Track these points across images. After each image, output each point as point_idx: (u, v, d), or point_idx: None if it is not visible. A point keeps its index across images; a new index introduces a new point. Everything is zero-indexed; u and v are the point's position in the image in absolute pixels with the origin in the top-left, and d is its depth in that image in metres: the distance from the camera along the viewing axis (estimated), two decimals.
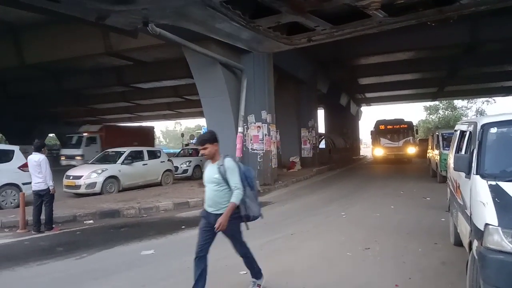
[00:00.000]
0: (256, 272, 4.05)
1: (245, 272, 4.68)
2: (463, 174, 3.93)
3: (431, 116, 54.70)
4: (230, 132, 12.60)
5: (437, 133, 14.58)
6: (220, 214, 3.61)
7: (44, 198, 7.28)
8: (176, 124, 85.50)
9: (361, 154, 38.17)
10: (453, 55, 20.09)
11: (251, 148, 13.10)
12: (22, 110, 25.94)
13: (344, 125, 32.97)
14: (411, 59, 20.88)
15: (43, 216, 7.34)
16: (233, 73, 12.75)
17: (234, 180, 3.61)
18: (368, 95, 34.52)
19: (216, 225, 3.54)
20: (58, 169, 14.20)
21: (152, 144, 29.81)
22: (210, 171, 3.73)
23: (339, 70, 23.55)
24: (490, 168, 3.50)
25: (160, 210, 9.41)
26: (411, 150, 24.40)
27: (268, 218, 8.19)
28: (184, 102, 30.44)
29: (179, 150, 24.71)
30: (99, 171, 11.96)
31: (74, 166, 20.43)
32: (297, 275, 4.62)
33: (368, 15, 8.84)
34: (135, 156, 13.64)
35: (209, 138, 3.77)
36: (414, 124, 27.60)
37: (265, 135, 13.18)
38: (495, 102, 48.09)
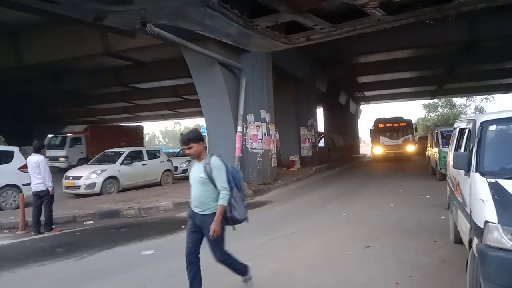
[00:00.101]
0: (242, 270, 3.88)
1: None
2: (462, 172, 3.93)
3: (430, 114, 54.70)
4: (229, 131, 12.60)
5: (436, 131, 14.58)
6: (206, 215, 3.53)
7: (43, 199, 7.27)
8: (175, 124, 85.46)
9: (360, 152, 38.19)
10: (452, 53, 20.08)
11: (251, 148, 13.10)
12: (21, 111, 25.81)
13: (343, 123, 32.95)
14: (410, 57, 20.87)
15: (43, 217, 7.33)
16: (232, 72, 12.75)
17: (221, 180, 3.49)
18: (367, 93, 34.51)
19: (211, 234, 3.44)
20: None
21: (141, 144, 29.10)
22: (196, 170, 3.61)
23: (338, 69, 23.53)
24: (490, 165, 3.50)
25: (160, 210, 9.41)
26: (411, 148, 24.41)
27: (268, 217, 8.24)
28: (183, 102, 30.39)
29: (179, 150, 24.68)
30: (99, 172, 11.96)
31: (58, 168, 20.37)
32: (297, 274, 4.62)
33: (367, 13, 8.87)
34: (135, 156, 13.63)
35: (194, 137, 3.61)
36: (413, 122, 27.60)
37: (265, 134, 13.18)
38: (494, 99, 48.14)
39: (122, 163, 12.74)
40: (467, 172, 3.71)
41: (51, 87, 22.07)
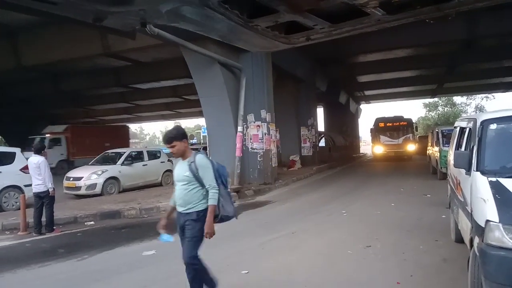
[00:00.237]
0: (208, 282, 3.66)
1: (246, 272, 4.70)
2: (463, 171, 3.93)
3: (430, 113, 54.68)
4: (229, 131, 12.60)
5: (436, 130, 14.58)
6: (189, 213, 3.44)
7: (44, 200, 7.28)
8: (176, 124, 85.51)
9: (361, 151, 38.19)
10: (451, 52, 20.07)
11: (251, 147, 13.10)
12: (21, 113, 25.81)
13: (343, 123, 32.94)
14: (410, 56, 20.85)
15: (44, 218, 7.34)
16: (232, 72, 12.75)
17: (209, 178, 3.40)
18: (367, 92, 34.49)
19: (206, 236, 3.40)
20: None
21: (127, 144, 27.84)
22: (181, 169, 3.50)
23: (338, 68, 23.52)
24: (490, 164, 3.50)
25: (161, 210, 9.40)
26: (411, 147, 24.40)
27: (268, 217, 8.24)
28: (183, 102, 30.40)
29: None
30: (99, 172, 11.97)
31: None
32: (299, 273, 4.62)
33: (366, 13, 8.85)
34: (135, 157, 13.66)
35: (176, 135, 3.46)
36: (414, 121, 27.59)
37: (265, 134, 13.18)
38: (494, 98, 48.10)
39: (122, 164, 12.75)
40: (468, 171, 3.70)
41: (51, 88, 22.05)
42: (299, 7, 8.43)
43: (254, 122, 13.12)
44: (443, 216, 6.95)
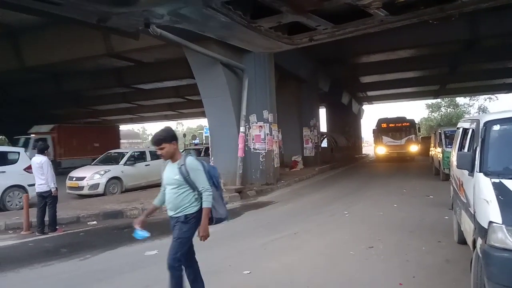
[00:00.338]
0: None
1: (248, 272, 4.70)
2: (466, 172, 3.92)
3: (433, 114, 54.53)
4: (232, 132, 12.60)
5: (439, 131, 14.54)
6: (178, 217, 3.38)
7: (47, 199, 7.31)
8: (178, 124, 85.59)
9: (363, 152, 38.13)
10: (454, 52, 20.01)
11: (253, 148, 13.10)
12: (22, 113, 25.86)
13: (346, 123, 32.90)
14: (413, 57, 20.81)
15: (47, 218, 7.37)
16: (234, 73, 12.75)
17: (201, 181, 3.33)
18: (370, 93, 34.44)
19: (201, 239, 3.35)
20: None
21: (117, 145, 26.89)
22: (170, 172, 3.41)
23: (341, 69, 23.49)
24: (493, 165, 3.49)
25: (163, 210, 9.38)
26: (414, 148, 24.33)
27: (271, 217, 8.25)
28: (185, 103, 30.40)
29: (182, 150, 24.64)
30: (102, 172, 12.02)
31: None
32: (301, 273, 4.62)
33: (370, 14, 8.85)
34: (138, 157, 13.70)
35: (166, 136, 3.37)
36: (416, 122, 27.53)
37: (267, 135, 13.18)
38: (497, 99, 47.89)
39: (125, 164, 12.79)
40: (471, 172, 3.69)
41: (53, 88, 22.10)
42: (302, 8, 8.43)
43: (257, 123, 13.12)
44: (446, 217, 6.94)
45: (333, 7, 8.71)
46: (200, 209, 3.36)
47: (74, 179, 11.97)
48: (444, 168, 12.65)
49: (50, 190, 7.26)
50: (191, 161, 3.36)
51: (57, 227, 7.46)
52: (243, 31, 9.38)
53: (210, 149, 13.54)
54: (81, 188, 11.67)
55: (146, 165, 13.60)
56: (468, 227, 3.87)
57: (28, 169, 9.41)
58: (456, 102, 51.89)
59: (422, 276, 4.39)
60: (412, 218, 7.49)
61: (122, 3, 7.07)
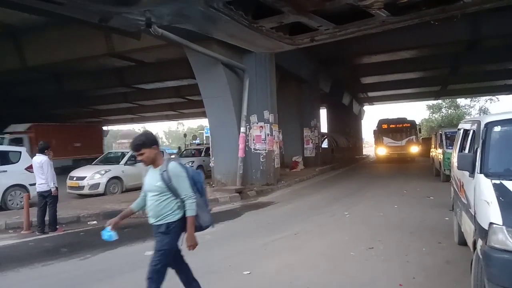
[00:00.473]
0: None
1: (248, 272, 4.70)
2: (466, 173, 3.92)
3: (434, 115, 54.47)
4: (232, 132, 12.61)
5: (440, 132, 14.54)
6: (160, 226, 3.20)
7: (47, 199, 7.31)
8: (179, 124, 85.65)
9: (364, 153, 38.11)
10: (455, 53, 20.00)
11: (254, 148, 13.10)
12: (24, 113, 25.84)
13: (346, 124, 32.89)
14: (414, 58, 20.80)
15: (47, 217, 7.37)
16: (235, 73, 12.75)
17: (184, 188, 3.15)
18: (371, 94, 34.44)
19: (189, 249, 3.22)
20: None
21: (101, 145, 26.42)
22: (151, 178, 3.24)
23: (342, 69, 23.51)
24: (494, 166, 3.49)
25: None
26: (414, 149, 24.32)
27: (271, 218, 8.24)
28: (186, 103, 30.43)
29: (183, 150, 24.66)
30: (103, 172, 12.02)
31: None
32: (301, 274, 4.62)
33: (371, 14, 8.85)
34: None
35: (145, 141, 3.19)
36: (417, 123, 27.51)
37: (268, 135, 13.18)
38: (498, 100, 47.77)
39: (125, 164, 12.78)
40: (472, 173, 3.69)
41: (54, 88, 22.13)
42: (304, 8, 8.44)
43: (257, 123, 13.12)
44: (446, 218, 6.94)
45: (334, 7, 8.73)
46: (183, 217, 3.20)
47: (74, 178, 11.98)
48: (444, 169, 12.65)
49: (50, 189, 7.26)
50: (173, 167, 3.18)
51: (57, 226, 7.47)
52: (245, 31, 9.39)
53: (210, 149, 13.55)
54: (82, 187, 11.67)
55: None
56: (468, 228, 3.86)
57: (29, 168, 9.43)
58: (457, 103, 51.84)
59: (422, 277, 4.39)
60: (413, 219, 7.48)
61: (123, 3, 7.09)
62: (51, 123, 23.09)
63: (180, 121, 77.86)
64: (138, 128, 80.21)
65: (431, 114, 55.12)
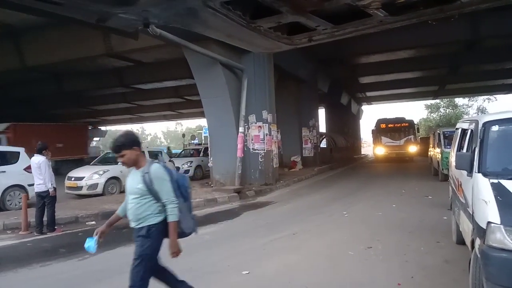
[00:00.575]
0: None
1: (247, 272, 4.70)
2: (465, 173, 3.93)
3: (432, 114, 54.62)
4: (231, 132, 12.61)
5: (438, 132, 14.56)
6: (141, 228, 3.05)
7: (46, 199, 7.30)
8: (177, 124, 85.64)
9: (362, 153, 38.15)
10: (454, 53, 20.05)
11: (252, 148, 13.10)
12: (23, 113, 25.78)
13: (345, 124, 32.94)
14: (412, 57, 20.84)
15: (45, 218, 7.36)
16: (234, 73, 12.76)
17: (166, 192, 3.00)
18: (369, 93, 34.48)
19: (172, 256, 3.11)
20: None
21: (85, 146, 25.37)
22: (133, 180, 3.09)
23: (340, 69, 23.52)
24: (492, 166, 3.50)
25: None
26: (413, 149, 24.37)
27: (270, 218, 8.24)
28: (185, 103, 30.42)
29: (181, 150, 24.64)
30: (101, 172, 12.00)
31: None
32: (300, 274, 4.62)
33: (369, 14, 8.85)
34: None
35: (125, 142, 3.03)
36: (415, 122, 27.56)
37: (266, 135, 13.18)
38: (496, 100, 48.02)
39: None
40: (470, 172, 3.70)
41: (53, 88, 22.09)
42: (303, 8, 8.43)
43: (256, 123, 13.13)
44: (445, 218, 6.95)
45: (333, 7, 8.72)
46: (164, 220, 3.06)
47: (72, 179, 11.96)
48: (443, 169, 12.68)
49: (48, 190, 7.25)
50: (156, 169, 3.03)
51: (55, 227, 7.45)
52: (243, 31, 9.38)
53: (209, 149, 13.55)
54: (80, 188, 11.66)
55: None
56: (466, 228, 3.87)
57: (28, 169, 9.41)
58: (455, 102, 52.00)
59: (421, 276, 4.40)
60: (411, 219, 7.49)
61: (121, 3, 7.08)
62: (31, 123, 22.26)
63: (178, 121, 77.96)
64: (136, 128, 79.97)
65: (429, 114, 55.32)
